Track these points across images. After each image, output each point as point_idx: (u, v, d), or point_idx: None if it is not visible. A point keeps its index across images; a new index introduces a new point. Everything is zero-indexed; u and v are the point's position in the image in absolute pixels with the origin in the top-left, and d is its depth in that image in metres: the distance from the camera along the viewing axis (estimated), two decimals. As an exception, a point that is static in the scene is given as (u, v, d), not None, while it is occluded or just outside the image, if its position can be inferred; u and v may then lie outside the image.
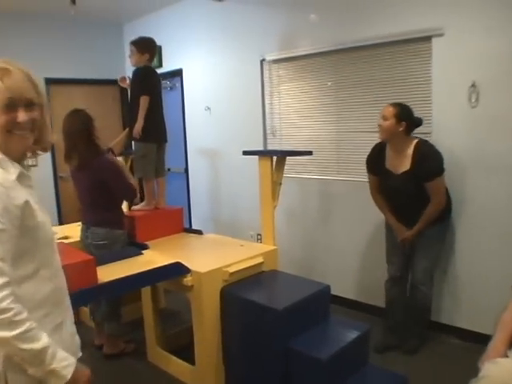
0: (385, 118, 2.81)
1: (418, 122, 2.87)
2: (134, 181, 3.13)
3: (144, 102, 3.32)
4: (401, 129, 2.77)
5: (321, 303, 2.61)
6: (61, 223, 5.14)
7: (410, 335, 3.08)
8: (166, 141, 3.59)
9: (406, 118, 2.79)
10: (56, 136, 1.40)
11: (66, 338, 1.31)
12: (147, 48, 3.46)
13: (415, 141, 2.83)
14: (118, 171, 2.99)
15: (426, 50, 3.12)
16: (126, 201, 2.89)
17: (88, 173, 2.91)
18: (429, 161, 2.76)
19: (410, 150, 2.80)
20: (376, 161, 2.99)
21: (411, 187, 2.81)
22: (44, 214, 1.26)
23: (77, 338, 1.40)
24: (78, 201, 3.14)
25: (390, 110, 2.80)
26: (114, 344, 3.16)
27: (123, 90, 5.71)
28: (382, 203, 3.05)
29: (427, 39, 3.08)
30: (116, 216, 3.01)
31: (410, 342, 3.06)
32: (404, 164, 2.82)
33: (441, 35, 3.00)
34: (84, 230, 3.05)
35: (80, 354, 1.38)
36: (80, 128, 2.89)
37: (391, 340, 3.09)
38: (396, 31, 3.21)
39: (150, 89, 3.39)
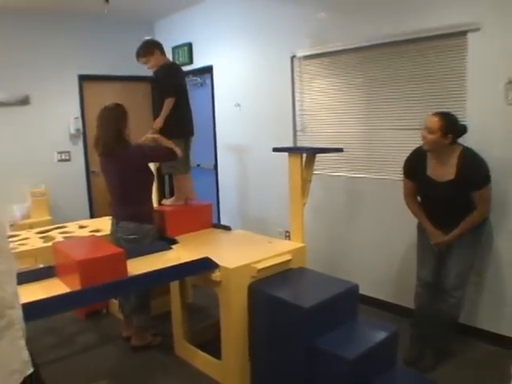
0: (430, 131, 2.67)
1: (463, 131, 2.75)
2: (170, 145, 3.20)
3: (169, 103, 3.35)
4: (447, 142, 2.66)
5: (348, 302, 2.58)
6: (92, 216, 5.27)
7: (429, 350, 2.90)
8: (192, 134, 3.60)
9: (453, 131, 2.66)
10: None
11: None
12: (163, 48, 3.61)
13: (459, 149, 2.71)
14: (148, 146, 3.12)
15: (460, 45, 3.03)
16: (170, 160, 3.09)
17: (118, 166, 2.97)
18: (475, 170, 2.66)
19: (455, 159, 2.69)
20: (416, 166, 2.88)
21: (456, 196, 2.70)
22: None
23: (24, 354, 1.27)
24: (108, 195, 3.20)
25: (435, 122, 2.65)
26: (141, 336, 3.22)
27: (154, 87, 5.78)
28: (418, 209, 2.94)
29: (462, 34, 2.99)
30: (145, 211, 3.05)
31: (427, 358, 2.87)
32: (448, 173, 2.71)
33: (477, 30, 2.91)
34: (114, 224, 3.11)
35: (28, 371, 1.25)
36: (113, 122, 2.94)
37: (423, 349, 2.92)
38: (430, 26, 3.13)
39: (175, 89, 3.41)
